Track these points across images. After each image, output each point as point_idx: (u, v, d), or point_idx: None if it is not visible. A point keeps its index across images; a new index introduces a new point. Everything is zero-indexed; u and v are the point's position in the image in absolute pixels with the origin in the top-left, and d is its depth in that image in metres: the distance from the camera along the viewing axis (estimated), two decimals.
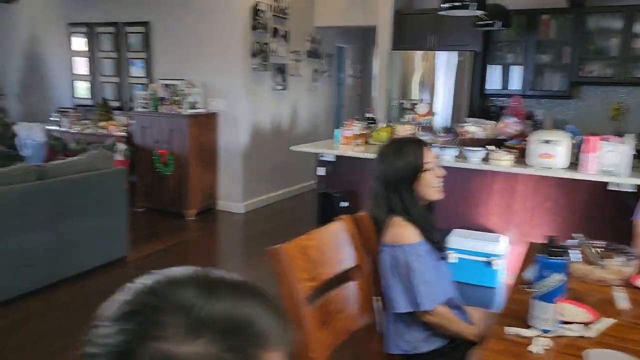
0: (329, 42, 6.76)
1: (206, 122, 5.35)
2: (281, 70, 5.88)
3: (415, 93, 5.68)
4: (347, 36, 7.23)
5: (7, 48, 6.83)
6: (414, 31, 5.69)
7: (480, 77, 5.63)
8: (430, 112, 4.92)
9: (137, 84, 5.99)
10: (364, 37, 7.50)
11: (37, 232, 3.23)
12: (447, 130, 4.39)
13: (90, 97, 6.38)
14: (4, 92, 6.57)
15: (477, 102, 5.67)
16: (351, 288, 1.68)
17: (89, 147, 5.46)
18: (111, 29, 6.05)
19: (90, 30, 6.20)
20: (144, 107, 5.48)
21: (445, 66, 5.50)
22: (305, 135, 6.44)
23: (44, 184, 3.28)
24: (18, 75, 6.86)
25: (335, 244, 1.65)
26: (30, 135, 6.34)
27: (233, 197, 5.54)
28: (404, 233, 1.75)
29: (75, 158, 3.66)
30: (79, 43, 6.32)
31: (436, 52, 5.54)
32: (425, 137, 3.74)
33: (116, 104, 6.14)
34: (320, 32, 6.48)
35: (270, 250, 1.38)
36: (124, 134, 5.60)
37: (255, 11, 5.32)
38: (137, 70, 5.97)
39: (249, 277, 0.59)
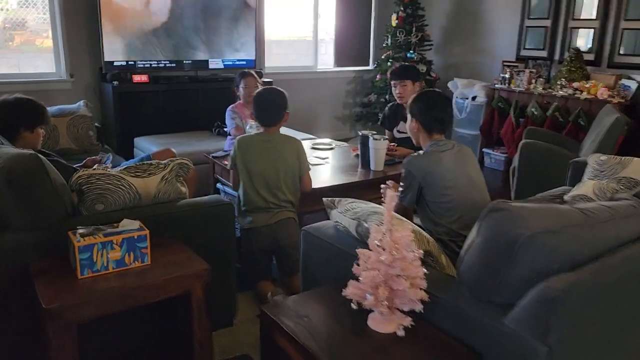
0: None
1: None
2: None
3: None
4: None
5: None
6: None
7: None
8: None
9: (631, 29, 4.33)
10: None
11: None
12: None
13: (543, 47, 4.99)
14: (431, 40, 5.69)
15: None
16: None
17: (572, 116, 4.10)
18: None
19: None
20: None
21: None
22: None
23: None
24: (443, 21, 5.90)
25: None
26: (465, 94, 5.34)
27: None
28: None
29: None
30: None
31: None
32: None
33: (589, 56, 4.61)
34: None
35: None
36: (619, 99, 4.07)
37: None
38: (636, 8, 4.29)
39: None
